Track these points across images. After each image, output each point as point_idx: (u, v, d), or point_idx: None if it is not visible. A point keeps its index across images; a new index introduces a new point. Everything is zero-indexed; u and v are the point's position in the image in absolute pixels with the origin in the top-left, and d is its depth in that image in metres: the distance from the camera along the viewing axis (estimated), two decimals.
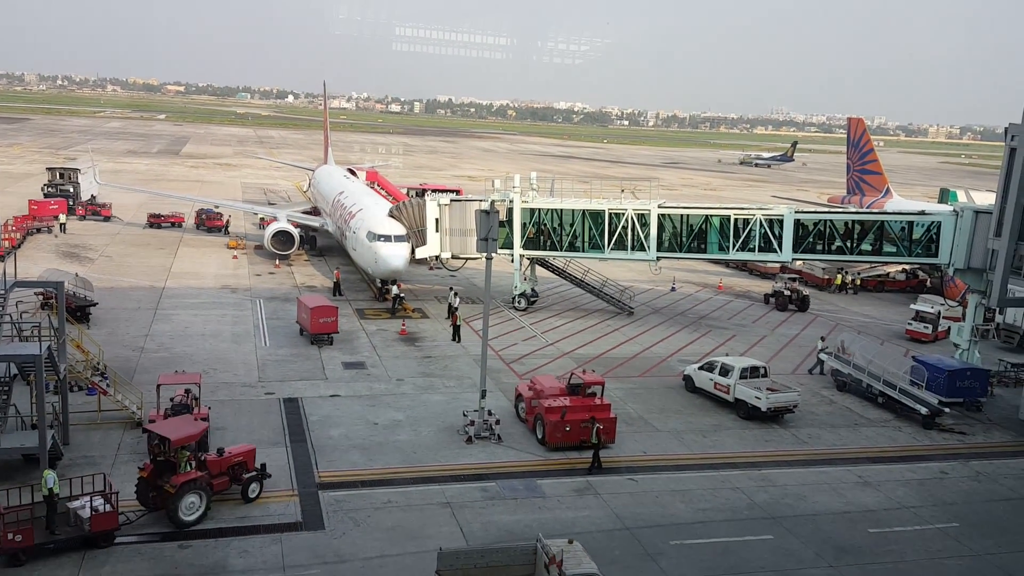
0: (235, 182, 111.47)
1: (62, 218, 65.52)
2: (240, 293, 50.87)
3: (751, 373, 35.47)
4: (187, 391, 29.03)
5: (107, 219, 74.28)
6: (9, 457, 25.65)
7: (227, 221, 72.27)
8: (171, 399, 28.56)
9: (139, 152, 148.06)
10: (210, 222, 71.98)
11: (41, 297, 42.24)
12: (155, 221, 72.75)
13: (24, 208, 67.86)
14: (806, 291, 57.16)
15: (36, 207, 68.60)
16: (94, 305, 42.78)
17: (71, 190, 77.29)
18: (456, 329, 43.61)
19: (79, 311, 41.03)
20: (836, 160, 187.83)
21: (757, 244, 45.61)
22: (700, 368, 37.12)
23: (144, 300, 47.74)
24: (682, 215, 47.51)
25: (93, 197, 77.56)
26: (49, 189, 77.12)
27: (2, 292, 26.88)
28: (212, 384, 34.02)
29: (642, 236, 46.96)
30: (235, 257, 61.93)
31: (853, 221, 45.77)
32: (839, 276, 62.69)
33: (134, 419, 29.81)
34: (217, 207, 74.29)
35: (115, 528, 22.55)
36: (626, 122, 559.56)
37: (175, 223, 73.20)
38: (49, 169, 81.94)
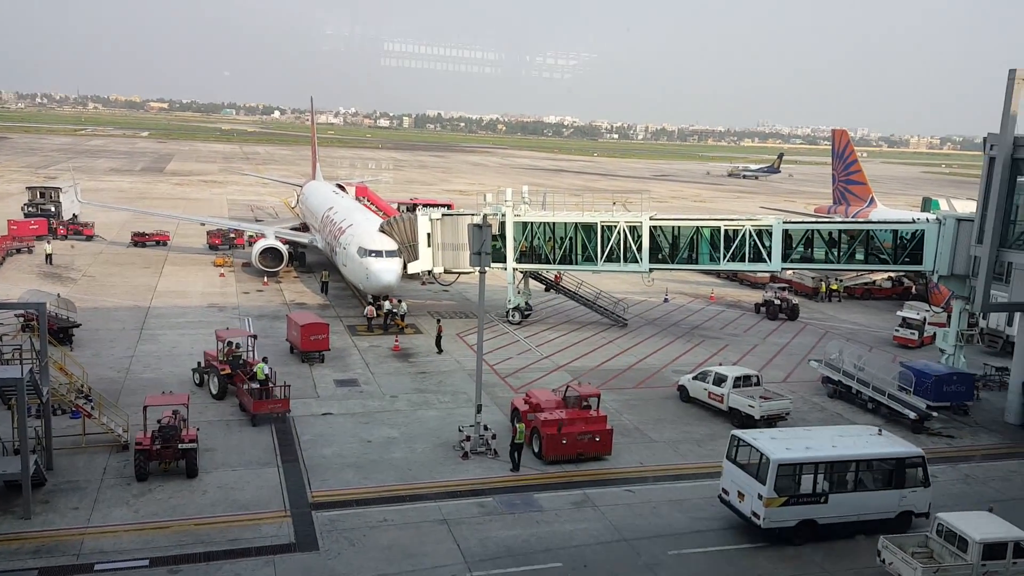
0: (221, 199, 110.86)
1: (48, 248, 62.82)
2: (228, 311, 50.33)
3: (744, 382, 35.49)
4: (175, 412, 28.52)
5: (90, 238, 73.44)
6: None
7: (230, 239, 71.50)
8: (158, 421, 28.05)
9: (122, 170, 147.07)
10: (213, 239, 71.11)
11: (22, 319, 41.49)
12: (139, 240, 71.94)
13: (3, 229, 66.99)
14: (795, 300, 57.46)
15: (16, 227, 67.75)
16: (77, 326, 42.14)
17: (52, 209, 76.50)
18: (439, 340, 43.59)
19: (62, 332, 40.36)
20: (821, 171, 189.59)
21: (747, 254, 45.81)
22: (694, 378, 37.06)
23: (129, 320, 47.12)
24: (673, 227, 47.68)
25: (75, 216, 76.76)
26: (29, 209, 76.29)
27: None
28: (200, 405, 33.50)
29: (634, 248, 46.99)
30: (222, 275, 61.37)
31: (840, 231, 46.29)
32: (822, 284, 63.05)
33: (120, 442, 29.28)
34: (212, 226, 73.61)
35: None
36: (616, 136, 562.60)
37: (160, 241, 72.53)
38: (29, 188, 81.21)
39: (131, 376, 37.39)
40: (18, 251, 64.63)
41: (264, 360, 35.64)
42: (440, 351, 43.22)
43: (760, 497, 24.41)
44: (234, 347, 36.02)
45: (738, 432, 26.68)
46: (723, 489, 26.27)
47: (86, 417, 29.64)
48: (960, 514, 23.44)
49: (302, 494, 26.66)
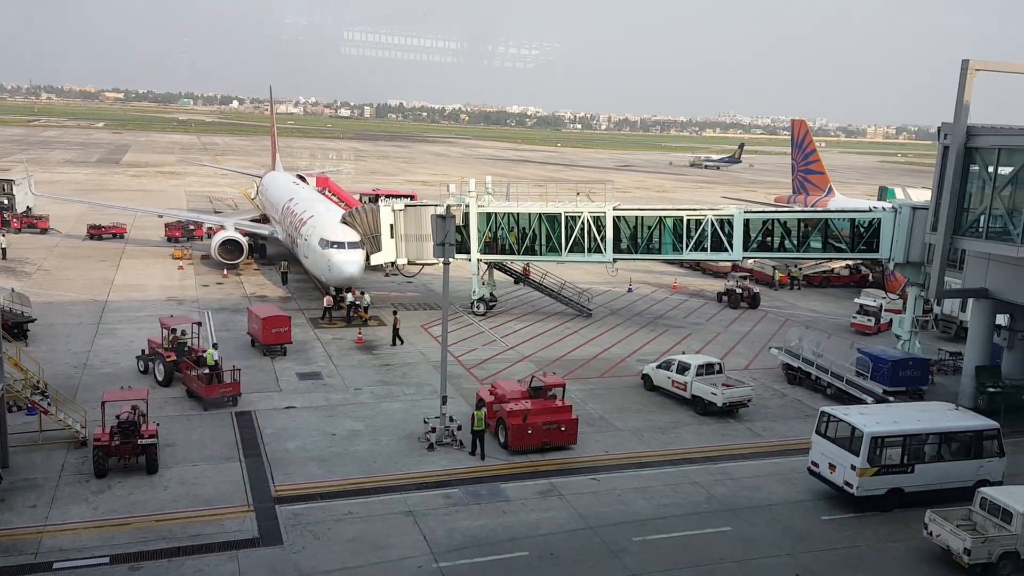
0: (179, 190, 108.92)
1: (3, 241, 60.97)
2: (187, 304, 49.53)
3: (707, 370, 35.96)
4: (134, 407, 28.03)
5: (44, 231, 71.66)
6: None
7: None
8: (117, 416, 27.55)
9: (77, 161, 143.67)
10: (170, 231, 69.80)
11: None
12: (96, 232, 70.42)
13: None
14: (756, 289, 58.32)
15: None
16: (32, 321, 41.17)
17: (5, 202, 74.45)
18: (396, 332, 43.43)
19: (16, 328, 39.38)
20: (781, 161, 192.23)
21: (709, 244, 46.39)
22: (658, 367, 37.45)
23: (86, 315, 46.15)
24: (637, 217, 48.05)
25: (29, 209, 74.81)
26: None
27: None
28: (160, 399, 32.99)
29: (598, 238, 47.25)
30: (181, 268, 60.35)
31: (799, 220, 47.12)
32: (775, 272, 64.03)
33: (78, 438, 28.71)
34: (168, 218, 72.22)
35: None
36: (579, 126, 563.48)
37: (117, 234, 71.06)
38: None
39: (88, 371, 36.67)
40: None
41: (214, 346, 36.17)
42: (397, 343, 42.98)
43: (853, 468, 26.33)
44: (179, 334, 36.34)
45: (828, 408, 28.39)
46: (812, 462, 28.11)
47: (43, 413, 29.02)
48: (1004, 488, 24.85)
49: (265, 488, 26.43)
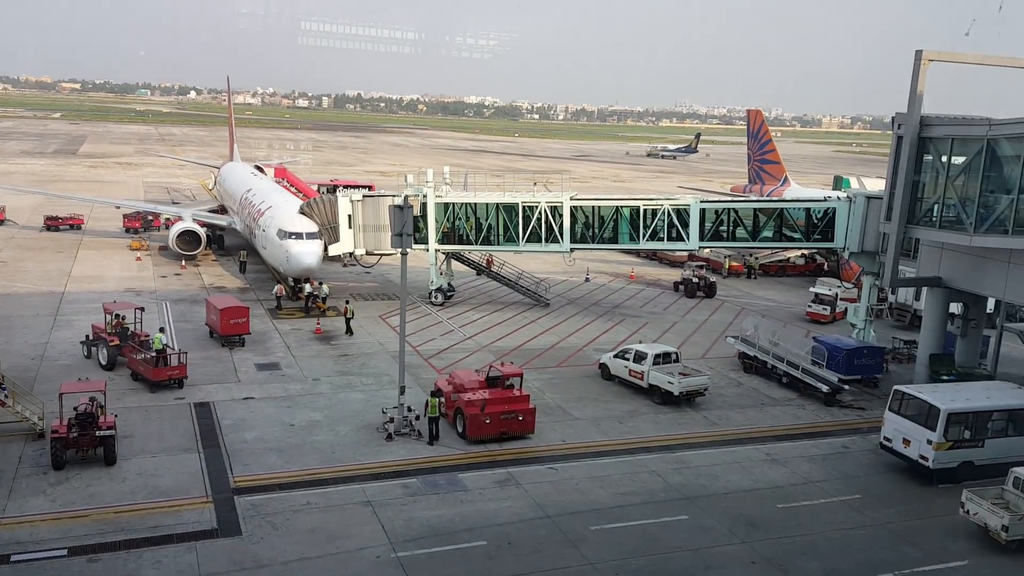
0: (137, 181, 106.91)
1: None
2: (145, 296, 48.86)
3: (664, 359, 36.41)
4: (92, 399, 27.76)
5: (0, 223, 69.95)
6: None
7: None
8: (75, 408, 27.26)
9: (33, 152, 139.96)
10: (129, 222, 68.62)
11: None
12: (52, 223, 68.98)
13: None
14: (713, 278, 59.22)
15: None
16: None
17: None
18: (347, 322, 43.50)
19: None
20: (737, 151, 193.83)
21: (666, 233, 46.98)
22: (615, 356, 37.87)
23: (43, 306, 45.34)
24: (594, 207, 48.45)
25: None
26: None
27: None
28: (118, 390, 32.65)
29: (556, 228, 47.62)
30: (139, 259, 59.45)
31: (755, 210, 47.88)
32: (726, 261, 65.03)
33: (36, 430, 28.36)
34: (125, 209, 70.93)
35: None
36: (536, 116, 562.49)
37: (74, 225, 69.66)
38: None
39: (46, 363, 36.18)
40: None
41: (161, 330, 37.39)
42: (350, 332, 43.03)
43: (929, 442, 28.13)
44: (122, 319, 36.93)
45: (902, 387, 30.28)
46: (885, 437, 30.02)
47: (0, 405, 28.63)
48: None
49: (224, 479, 26.42)
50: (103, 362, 35.80)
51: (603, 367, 38.35)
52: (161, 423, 30.48)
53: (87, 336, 37.56)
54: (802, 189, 78.72)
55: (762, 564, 23.52)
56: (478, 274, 54.41)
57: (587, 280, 60.88)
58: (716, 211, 47.25)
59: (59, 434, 26.37)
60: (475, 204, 48.82)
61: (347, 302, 45.52)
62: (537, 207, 47.61)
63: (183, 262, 58.13)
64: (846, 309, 47.64)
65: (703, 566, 23.24)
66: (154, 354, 34.02)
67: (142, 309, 39.19)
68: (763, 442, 32.18)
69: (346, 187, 60.17)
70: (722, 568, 23.22)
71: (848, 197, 44.50)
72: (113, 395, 30.93)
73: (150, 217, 69.93)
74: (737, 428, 33.57)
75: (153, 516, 23.96)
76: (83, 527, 23.18)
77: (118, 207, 72.36)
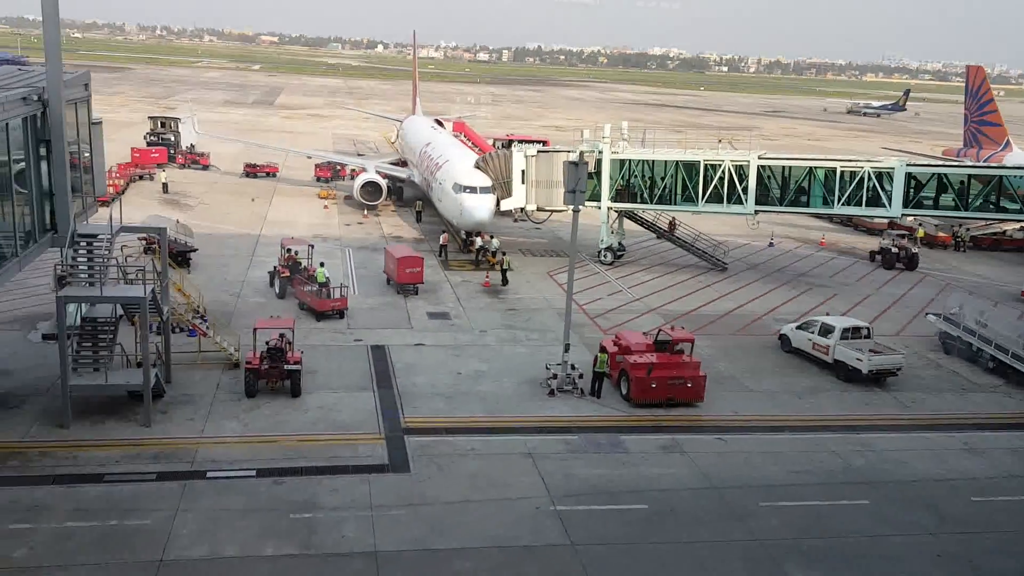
0: (327, 133, 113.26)
1: (162, 176, 66.15)
2: (331, 242, 51.83)
3: (853, 334, 33.83)
4: (281, 335, 29.82)
5: (206, 168, 76.76)
6: (115, 393, 26.99)
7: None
8: (267, 342, 29.41)
9: (235, 102, 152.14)
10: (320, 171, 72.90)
11: (144, 242, 44.05)
12: (251, 171, 74.76)
13: (127, 156, 70.74)
14: (915, 249, 53.91)
15: (138, 155, 71.57)
16: (194, 251, 44.25)
17: (172, 139, 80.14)
18: (503, 273, 43.83)
19: (180, 256, 42.51)
20: (952, 110, 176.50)
21: (864, 198, 43.27)
22: (798, 327, 35.63)
23: (241, 247, 49.24)
24: (784, 167, 45.61)
25: (192, 146, 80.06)
26: (151, 138, 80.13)
27: (109, 237, 27.94)
28: (305, 330, 34.84)
29: (740, 189, 45.19)
30: (326, 207, 63.10)
31: (969, 175, 43.11)
32: (921, 229, 58.94)
33: (232, 360, 30.89)
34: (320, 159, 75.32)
35: None
36: (725, 68, 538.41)
37: (270, 173, 75.09)
38: (151, 118, 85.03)
39: (242, 300, 39.24)
40: (140, 178, 68.37)
41: (321, 264, 39.66)
42: (505, 283, 43.41)
43: None
44: (294, 254, 40.29)
45: None
46: None
47: (202, 336, 31.56)
48: None
49: (396, 419, 27.53)
50: (277, 291, 39.66)
51: (783, 338, 36.20)
52: (341, 362, 32.24)
53: (274, 267, 41.37)
54: None
55: (948, 559, 21.52)
56: (657, 238, 52.90)
57: (771, 245, 57.60)
58: (925, 176, 42.88)
59: (252, 365, 28.57)
60: (652, 161, 47.28)
61: (504, 253, 45.81)
62: (721, 166, 45.33)
63: (365, 211, 61.04)
64: None
65: (881, 555, 21.53)
66: (317, 286, 37.02)
67: (312, 246, 42.33)
68: (960, 430, 29.21)
69: (521, 142, 60.28)
70: (902, 560, 21.41)
71: None
72: (300, 334, 33.03)
73: (338, 167, 73.98)
74: (932, 413, 30.68)
75: (331, 448, 25.41)
76: (270, 451, 24.99)
77: (309, 157, 76.95)
